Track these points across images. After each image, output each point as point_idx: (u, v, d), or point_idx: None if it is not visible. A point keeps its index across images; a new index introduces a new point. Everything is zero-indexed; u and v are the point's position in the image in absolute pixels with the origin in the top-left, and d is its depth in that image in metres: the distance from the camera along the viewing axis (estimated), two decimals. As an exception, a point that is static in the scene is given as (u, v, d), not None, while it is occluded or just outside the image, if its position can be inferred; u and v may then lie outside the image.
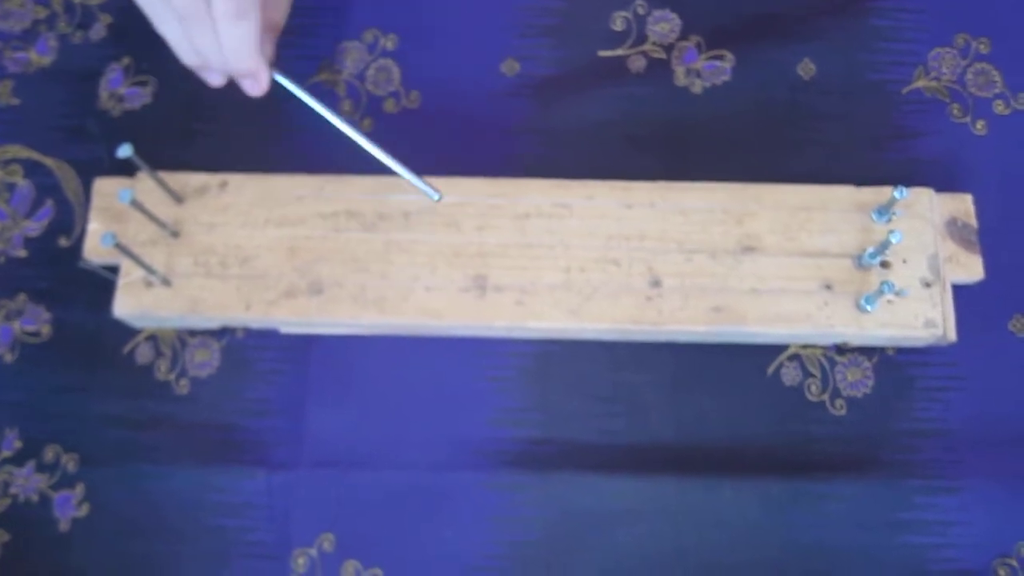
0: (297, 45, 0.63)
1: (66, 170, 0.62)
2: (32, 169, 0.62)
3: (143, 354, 0.58)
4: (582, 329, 0.55)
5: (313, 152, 0.57)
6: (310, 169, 0.57)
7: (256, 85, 0.46)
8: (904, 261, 0.55)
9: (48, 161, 0.62)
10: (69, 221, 0.61)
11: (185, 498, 0.56)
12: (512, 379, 0.57)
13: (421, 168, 0.57)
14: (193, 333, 0.58)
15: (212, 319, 0.56)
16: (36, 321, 0.59)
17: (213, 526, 0.55)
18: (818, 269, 0.55)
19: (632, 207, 0.56)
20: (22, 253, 0.61)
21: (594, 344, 0.57)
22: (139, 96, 0.63)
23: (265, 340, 0.58)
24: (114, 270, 0.56)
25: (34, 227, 0.61)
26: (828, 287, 0.55)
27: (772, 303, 0.55)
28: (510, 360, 0.57)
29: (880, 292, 0.53)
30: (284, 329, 0.57)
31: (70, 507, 0.56)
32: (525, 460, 0.56)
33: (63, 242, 0.61)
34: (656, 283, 0.55)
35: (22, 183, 0.62)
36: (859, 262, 0.55)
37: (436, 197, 0.53)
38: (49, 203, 0.61)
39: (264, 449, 0.56)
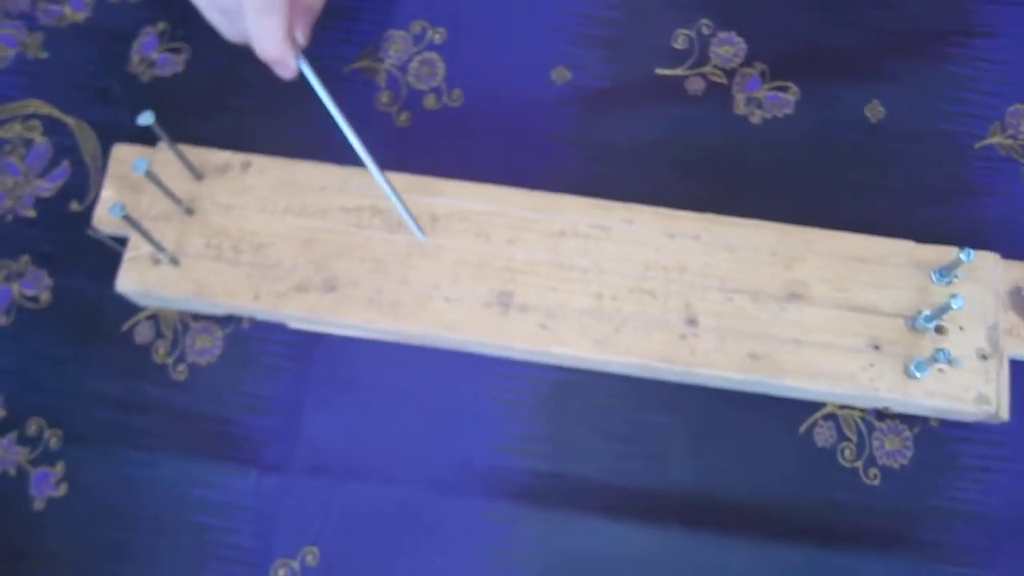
0: (341, 28, 0.60)
1: (86, 132, 0.59)
2: (52, 127, 0.59)
3: (142, 333, 0.55)
4: (607, 361, 0.51)
5: (346, 144, 0.54)
6: (339, 160, 0.54)
7: (285, 70, 0.46)
8: (961, 328, 0.51)
9: (69, 120, 0.59)
10: (83, 185, 0.58)
11: (168, 490, 0.53)
12: (525, 404, 0.54)
13: (454, 170, 0.54)
14: (197, 317, 0.56)
15: (218, 305, 0.53)
16: (36, 286, 0.57)
17: (194, 523, 0.52)
18: (867, 326, 0.51)
19: (675, 237, 0.53)
20: (31, 213, 0.58)
21: (617, 378, 0.54)
22: (171, 63, 0.60)
23: (271, 333, 0.55)
24: (123, 242, 0.54)
25: (47, 187, 0.58)
26: (876, 347, 0.51)
27: (814, 357, 0.51)
28: (525, 384, 0.54)
29: (932, 359, 0.49)
30: (292, 324, 0.54)
31: (48, 485, 0.53)
32: (529, 492, 0.52)
33: (75, 206, 0.58)
34: (692, 321, 0.51)
35: (40, 140, 0.59)
36: (912, 324, 0.51)
37: (422, 239, 0.51)
38: (65, 164, 0.59)
39: (257, 448, 0.53)
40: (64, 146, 0.59)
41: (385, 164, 0.54)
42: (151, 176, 0.49)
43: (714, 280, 0.52)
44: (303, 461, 0.53)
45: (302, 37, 0.47)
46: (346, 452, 0.53)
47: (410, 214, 0.51)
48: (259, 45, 0.45)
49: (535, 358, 0.53)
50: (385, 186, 0.50)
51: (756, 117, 0.59)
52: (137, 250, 0.52)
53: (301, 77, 0.47)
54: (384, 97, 0.59)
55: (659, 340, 0.51)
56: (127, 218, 0.47)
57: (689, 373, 0.51)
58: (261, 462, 0.53)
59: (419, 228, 0.51)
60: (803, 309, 0.52)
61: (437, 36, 0.61)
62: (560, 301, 0.52)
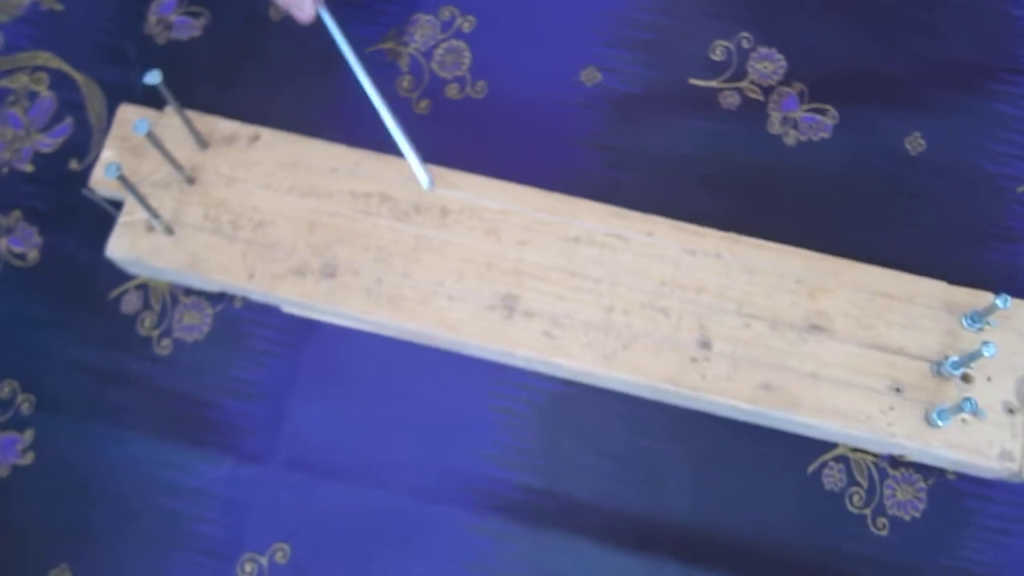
0: (367, 7, 0.58)
1: (94, 89, 0.57)
2: (59, 82, 0.57)
3: (130, 303, 0.53)
4: (612, 378, 0.49)
5: (360, 126, 0.51)
6: (352, 142, 0.52)
7: (301, 12, 0.45)
8: (989, 379, 0.48)
9: (78, 76, 0.57)
10: (85, 144, 0.56)
11: (139, 469, 0.50)
12: (522, 415, 0.51)
13: (470, 164, 0.52)
14: (188, 292, 0.53)
15: (210, 281, 0.51)
16: (25, 243, 0.54)
17: (162, 507, 0.50)
18: (890, 367, 0.48)
19: (695, 254, 0.50)
20: (28, 168, 0.56)
21: (620, 396, 0.51)
22: (188, 27, 0.58)
23: (263, 316, 0.53)
24: (119, 206, 0.51)
25: (47, 143, 0.56)
26: (897, 389, 0.48)
27: (831, 394, 0.48)
28: (524, 394, 0.51)
29: (956, 408, 0.46)
30: (286, 308, 0.52)
31: (13, 452, 0.50)
32: (518, 508, 0.49)
33: (74, 165, 0.56)
34: (705, 344, 0.49)
35: (45, 94, 0.57)
36: (938, 369, 0.48)
37: (427, 186, 0.48)
38: (68, 120, 0.56)
39: (237, 435, 0.51)
40: (70, 102, 0.57)
41: (399, 151, 0.52)
42: (153, 139, 0.47)
43: (732, 303, 0.49)
44: (283, 453, 0.50)
45: None
46: (329, 448, 0.50)
47: (418, 156, 0.48)
48: None
49: (536, 367, 0.50)
50: (395, 128, 0.47)
51: (791, 138, 0.56)
52: (131, 215, 0.50)
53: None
54: (405, 82, 0.57)
55: (669, 361, 0.48)
56: (123, 180, 0.45)
57: (697, 399, 0.49)
58: (239, 450, 0.50)
59: (428, 173, 0.48)
60: (824, 342, 0.49)
61: (466, 24, 0.58)
62: (568, 310, 0.49)
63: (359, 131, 0.52)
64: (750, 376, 0.48)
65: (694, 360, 0.48)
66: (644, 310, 0.49)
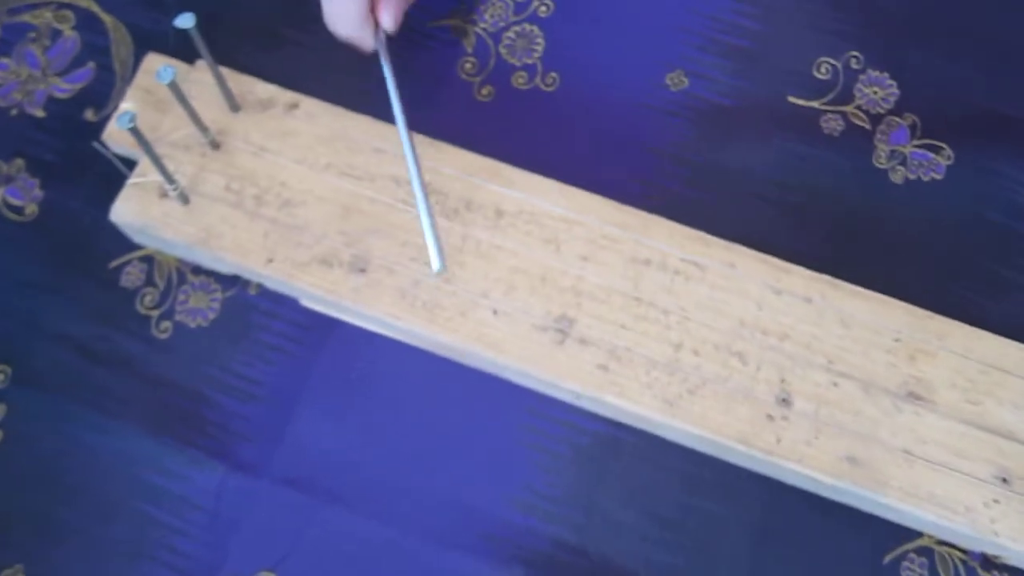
0: (435, -24, 0.52)
1: (123, 34, 0.51)
2: (85, 22, 0.51)
3: (131, 276, 0.47)
4: (671, 427, 0.42)
5: (416, 108, 0.45)
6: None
7: (360, 48, 0.44)
8: (1115, 480, 0.41)
9: (107, 18, 0.51)
10: (105, 93, 0.50)
11: (118, 465, 0.44)
12: (560, 457, 0.44)
13: (532, 162, 0.46)
14: (198, 271, 0.47)
15: (224, 261, 0.44)
16: (25, 195, 0.48)
17: (139, 512, 0.43)
18: (998, 453, 0.41)
19: (781, 294, 0.43)
20: (39, 113, 0.50)
21: (676, 448, 0.44)
22: (235, -23, 0.52)
23: (279, 307, 0.46)
24: (133, 166, 0.45)
25: (64, 88, 0.50)
26: (1004, 480, 0.41)
27: (925, 476, 0.41)
28: (565, 432, 0.45)
29: (1078, 512, 0.39)
30: (305, 302, 0.45)
31: (-22, 430, 0.44)
32: (544, 566, 0.42)
33: (89, 115, 0.50)
34: (785, 401, 0.42)
35: (69, 34, 0.51)
36: (1056, 461, 0.41)
37: (437, 268, 0.39)
38: (91, 66, 0.51)
39: (232, 440, 0.44)
40: (95, 46, 0.51)
41: (454, 138, 0.45)
42: (177, 92, 0.41)
43: (820, 357, 0.42)
44: (281, 467, 0.44)
45: (389, 21, 0.42)
46: (334, 468, 0.44)
47: (436, 238, 0.39)
48: (332, 23, 0.42)
49: (583, 404, 0.44)
50: (419, 192, 0.40)
51: (898, 175, 0.49)
52: (144, 176, 0.44)
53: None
54: (468, 64, 0.51)
55: (740, 415, 0.41)
56: (135, 132, 0.38)
57: (767, 463, 0.42)
58: (232, 457, 0.44)
59: (440, 255, 0.39)
60: (923, 415, 0.42)
61: (543, 8, 0.52)
62: (629, 342, 0.42)
63: (413, 114, 0.45)
64: (833, 444, 0.41)
65: (770, 418, 0.41)
66: (717, 352, 0.42)
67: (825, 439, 0.41)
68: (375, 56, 0.43)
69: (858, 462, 0.41)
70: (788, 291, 0.43)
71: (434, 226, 0.39)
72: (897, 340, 0.43)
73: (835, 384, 0.42)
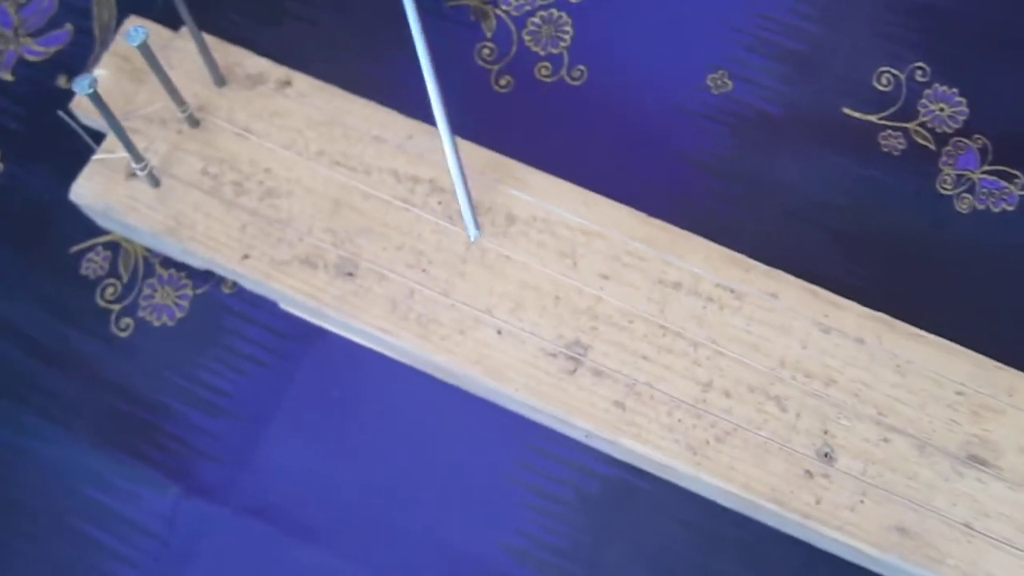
0: (456, -47, 0.47)
1: (106, -4, 0.46)
2: (67, -21, 0.46)
3: (93, 264, 0.42)
4: (694, 478, 0.36)
5: (423, 95, 0.40)
6: (406, 109, 0.40)
7: None
8: None
9: (90, -23, 0.46)
10: (81, 59, 0.45)
11: (60, 479, 0.39)
12: (563, 502, 0.39)
13: (550, 163, 0.40)
14: (167, 263, 0.42)
15: (195, 254, 0.39)
16: (-18, 166, 0.43)
17: (79, 533, 0.39)
18: (1073, 532, 0.36)
19: (830, 332, 0.38)
20: (7, 76, 0.45)
21: (697, 500, 0.38)
22: (234, -60, 0.47)
23: (255, 310, 0.41)
24: (100, 140, 0.40)
25: (37, 51, 0.45)
26: (1079, 565, 0.35)
27: (986, 555, 0.35)
28: (570, 474, 0.39)
29: None
30: (285, 305, 0.40)
31: (-96, 428, 0.39)
32: (537, 625, 0.37)
33: (62, 83, 0.45)
34: (828, 455, 0.36)
35: (47, -9, 0.46)
36: None
37: (474, 235, 0.37)
38: (68, 28, 0.46)
39: (192, 458, 0.39)
40: (73, 6, 0.46)
41: (466, 131, 0.40)
42: (151, 58, 0.36)
43: (871, 407, 0.37)
44: (246, 494, 0.39)
45: None
46: (306, 498, 0.39)
47: (471, 206, 0.37)
48: None
49: (594, 443, 0.38)
50: (449, 149, 0.36)
51: (964, 204, 0.43)
52: (110, 153, 0.39)
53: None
54: (486, 50, 0.45)
55: (775, 470, 0.36)
56: (96, 99, 0.33)
57: (803, 526, 0.36)
58: (191, 478, 0.39)
59: (475, 222, 0.38)
60: (987, 482, 0.36)
61: (574, -7, 0.47)
62: (651, 377, 0.37)
63: (419, 101, 0.40)
64: (881, 511, 0.35)
65: (809, 474, 0.36)
66: (752, 395, 0.37)
67: (872, 504, 0.36)
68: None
69: (909, 533, 0.35)
70: (837, 329, 0.38)
71: (467, 188, 0.36)
72: (960, 393, 0.37)
73: (886, 440, 0.36)
